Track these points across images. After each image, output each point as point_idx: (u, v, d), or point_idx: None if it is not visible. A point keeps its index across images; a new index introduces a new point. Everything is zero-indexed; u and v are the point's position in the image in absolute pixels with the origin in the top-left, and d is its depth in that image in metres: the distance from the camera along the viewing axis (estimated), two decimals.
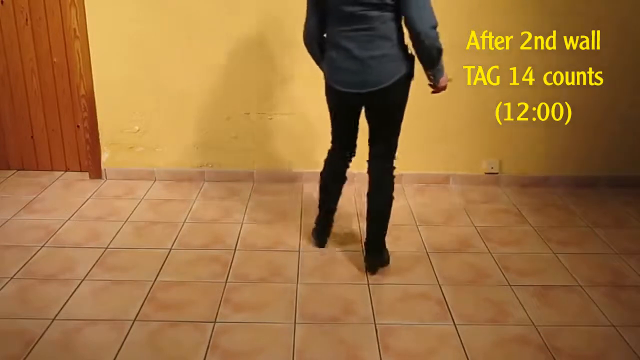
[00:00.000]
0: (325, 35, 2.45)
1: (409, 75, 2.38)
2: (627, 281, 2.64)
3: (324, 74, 2.50)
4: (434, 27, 2.23)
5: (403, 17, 2.28)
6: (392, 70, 2.33)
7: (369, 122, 2.53)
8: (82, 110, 3.59)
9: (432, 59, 2.32)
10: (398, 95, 2.42)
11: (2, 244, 2.84)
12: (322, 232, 2.88)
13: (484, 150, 3.69)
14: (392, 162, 2.57)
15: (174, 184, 3.66)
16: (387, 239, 2.65)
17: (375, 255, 2.65)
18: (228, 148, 3.67)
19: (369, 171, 2.59)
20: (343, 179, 2.75)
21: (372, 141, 2.57)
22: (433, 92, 2.50)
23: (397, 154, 2.58)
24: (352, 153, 2.70)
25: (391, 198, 2.57)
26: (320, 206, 2.83)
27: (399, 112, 2.48)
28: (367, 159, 2.59)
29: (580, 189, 3.70)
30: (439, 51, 2.30)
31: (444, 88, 2.48)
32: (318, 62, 2.55)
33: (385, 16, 2.27)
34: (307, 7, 2.46)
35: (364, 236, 2.68)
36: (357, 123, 2.59)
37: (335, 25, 2.37)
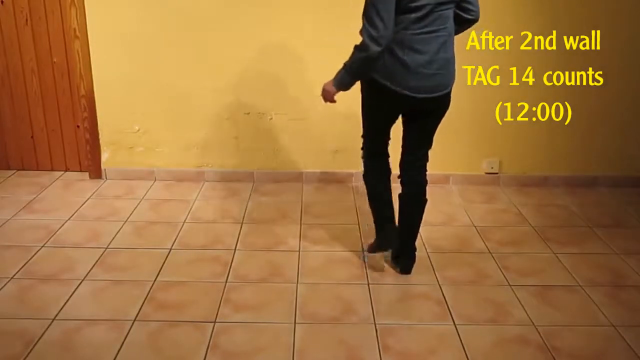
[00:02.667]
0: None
1: None
2: (627, 281, 2.64)
3: (381, 80, 2.25)
4: None
5: (460, 6, 2.30)
6: (455, 72, 2.35)
7: (416, 128, 2.47)
8: (82, 110, 3.59)
9: None
10: (451, 96, 2.40)
11: (2, 244, 2.84)
12: (392, 231, 2.62)
13: (484, 150, 3.69)
14: (426, 169, 2.59)
15: (174, 184, 3.66)
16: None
17: (412, 257, 2.65)
18: (228, 148, 3.67)
19: (407, 175, 2.54)
20: (389, 179, 2.63)
21: (412, 147, 2.52)
22: None
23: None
24: (387, 150, 2.59)
25: (426, 203, 2.61)
26: (382, 221, 2.61)
27: None
28: (400, 163, 2.54)
29: (580, 189, 3.70)
30: None
31: None
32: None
33: (452, 14, 2.27)
34: (378, 5, 2.10)
35: (364, 236, 2.67)
36: None
37: (410, 27, 2.17)
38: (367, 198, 2.63)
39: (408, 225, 2.60)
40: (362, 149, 2.58)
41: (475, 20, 2.38)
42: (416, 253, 2.66)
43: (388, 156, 2.59)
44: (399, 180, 2.56)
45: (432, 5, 2.16)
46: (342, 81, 2.30)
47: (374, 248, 2.69)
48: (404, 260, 2.65)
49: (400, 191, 2.57)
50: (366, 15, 2.12)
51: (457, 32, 2.38)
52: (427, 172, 2.58)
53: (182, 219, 3.16)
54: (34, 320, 2.24)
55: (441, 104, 2.39)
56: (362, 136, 2.56)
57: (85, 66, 3.49)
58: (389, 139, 2.55)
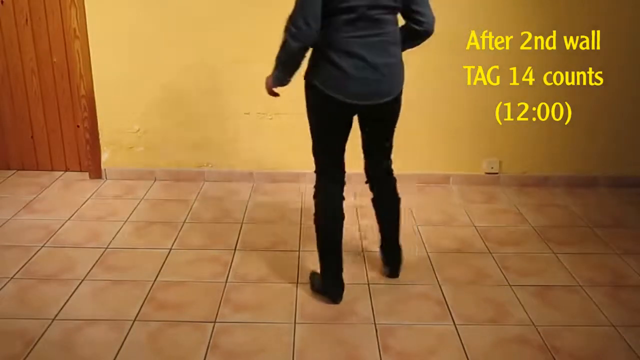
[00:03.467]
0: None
1: None
2: (627, 281, 2.64)
3: (319, 85, 2.18)
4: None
5: (409, 16, 2.19)
6: (401, 78, 2.25)
7: (372, 135, 2.37)
8: (82, 110, 3.59)
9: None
10: (400, 103, 2.31)
11: (2, 244, 2.84)
12: (337, 284, 2.41)
13: (484, 150, 3.69)
14: (391, 166, 2.50)
15: (173, 184, 3.66)
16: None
17: (398, 258, 2.60)
18: (228, 148, 3.67)
19: (374, 180, 2.47)
20: (343, 214, 2.36)
21: (373, 153, 2.43)
22: None
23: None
24: (344, 177, 2.37)
25: (400, 201, 2.54)
26: (325, 254, 2.39)
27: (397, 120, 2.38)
28: (364, 167, 2.46)
29: (580, 189, 3.70)
30: None
31: None
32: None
33: (394, 19, 2.18)
34: (303, 3, 2.06)
35: (362, 237, 2.66)
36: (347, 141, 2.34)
37: (343, 30, 2.10)
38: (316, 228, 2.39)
39: (388, 229, 2.55)
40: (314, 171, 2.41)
41: (426, 33, 2.22)
42: (402, 254, 2.62)
43: (342, 182, 2.37)
44: (367, 185, 2.49)
45: (365, 8, 2.06)
46: (276, 76, 2.24)
47: (317, 287, 2.46)
48: (393, 264, 2.61)
49: (371, 195, 2.51)
50: (293, 11, 2.07)
51: (410, 45, 2.28)
52: (394, 174, 2.50)
53: (182, 219, 3.16)
54: (34, 320, 2.24)
55: (386, 112, 2.28)
56: (313, 153, 2.37)
57: (85, 66, 3.49)
58: (343, 168, 2.35)
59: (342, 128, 2.28)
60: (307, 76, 2.23)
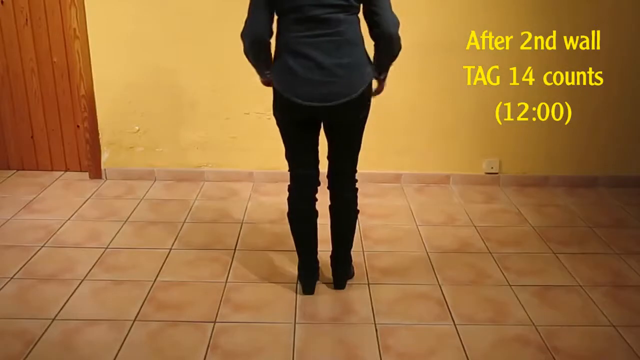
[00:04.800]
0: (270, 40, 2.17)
1: (371, 85, 2.19)
2: (627, 281, 2.64)
3: (276, 86, 2.18)
4: (398, 26, 2.12)
5: (366, 16, 2.10)
6: (360, 79, 2.12)
7: (331, 139, 2.29)
8: (82, 110, 3.59)
9: (393, 60, 2.20)
10: (365, 107, 2.20)
11: (2, 244, 2.84)
12: (308, 276, 2.47)
13: (484, 150, 3.69)
14: (355, 180, 2.38)
15: (174, 184, 3.66)
16: (387, 239, 2.64)
17: (345, 271, 2.51)
18: (228, 148, 3.67)
19: (332, 188, 2.37)
20: (313, 216, 2.39)
21: (334, 159, 2.33)
22: (374, 95, 2.28)
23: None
24: (315, 178, 2.34)
25: (357, 214, 2.43)
26: (298, 250, 2.45)
27: (363, 126, 2.26)
28: (327, 174, 2.37)
29: (580, 189, 3.70)
30: (399, 51, 2.18)
31: (382, 90, 2.35)
32: (263, 70, 2.25)
33: (351, 19, 2.09)
34: (252, 3, 2.14)
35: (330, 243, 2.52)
36: (318, 142, 2.30)
37: (293, 30, 2.09)
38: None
39: (338, 242, 2.45)
40: None
41: (382, 36, 2.11)
42: (351, 269, 2.56)
43: (313, 184, 2.34)
44: (327, 189, 2.40)
45: (311, 7, 2.03)
46: (256, 71, 2.30)
47: (299, 279, 2.51)
48: (337, 277, 2.49)
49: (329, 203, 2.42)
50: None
51: (380, 53, 2.18)
52: (356, 184, 2.39)
53: (182, 219, 3.16)
54: (34, 320, 2.24)
55: (340, 116, 2.18)
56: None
57: (85, 66, 3.49)
58: (310, 162, 2.31)
59: (303, 129, 2.24)
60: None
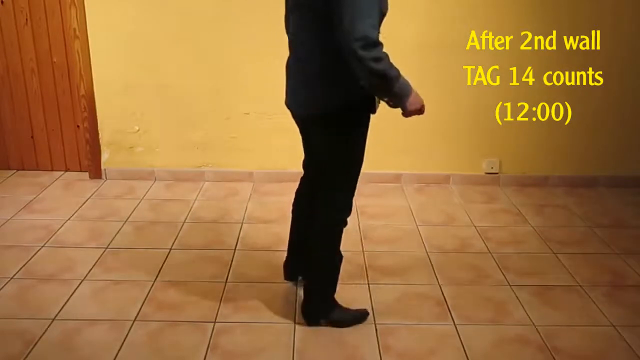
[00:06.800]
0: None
1: (352, 108, 1.83)
2: (627, 281, 2.64)
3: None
4: (369, 42, 1.61)
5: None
6: (319, 95, 1.83)
7: (308, 151, 2.25)
8: (82, 110, 3.59)
9: (371, 86, 1.73)
10: (329, 135, 1.89)
11: (2, 244, 2.84)
12: (286, 265, 2.47)
13: (484, 150, 3.69)
14: (331, 201, 2.06)
15: (174, 184, 3.66)
16: (387, 239, 2.63)
17: (307, 303, 2.25)
18: (228, 148, 3.67)
19: (300, 206, 2.32)
20: (299, 210, 2.33)
21: (309, 169, 2.28)
22: (404, 116, 1.93)
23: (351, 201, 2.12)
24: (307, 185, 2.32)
25: (324, 241, 2.11)
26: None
27: (331, 162, 1.96)
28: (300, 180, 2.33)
29: (580, 189, 3.70)
30: (381, 76, 1.68)
31: (418, 112, 1.87)
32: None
33: (307, 21, 1.84)
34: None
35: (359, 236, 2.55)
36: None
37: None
38: None
39: (298, 243, 2.37)
40: None
41: (344, 47, 1.64)
42: (331, 318, 2.26)
43: (305, 194, 2.30)
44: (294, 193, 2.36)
45: (290, 5, 1.95)
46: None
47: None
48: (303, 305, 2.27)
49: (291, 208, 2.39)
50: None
51: (350, 67, 1.70)
52: (336, 216, 2.09)
53: (182, 219, 3.16)
54: (34, 320, 2.24)
55: (308, 126, 2.06)
56: None
57: (85, 66, 3.49)
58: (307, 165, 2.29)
59: (300, 130, 2.21)
60: None
